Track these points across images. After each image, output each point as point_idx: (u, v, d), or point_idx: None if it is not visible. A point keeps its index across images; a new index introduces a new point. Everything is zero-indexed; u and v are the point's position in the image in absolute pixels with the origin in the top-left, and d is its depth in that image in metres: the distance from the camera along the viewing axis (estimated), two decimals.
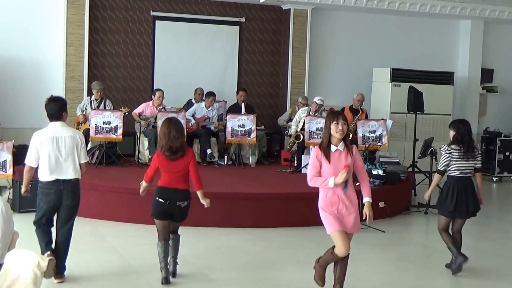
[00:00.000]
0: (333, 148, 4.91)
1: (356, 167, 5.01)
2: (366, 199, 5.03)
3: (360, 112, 10.83)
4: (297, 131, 10.34)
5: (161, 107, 10.25)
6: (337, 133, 4.87)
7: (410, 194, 9.82)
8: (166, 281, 5.63)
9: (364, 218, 5.06)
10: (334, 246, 5.01)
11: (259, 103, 12.33)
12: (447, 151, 6.27)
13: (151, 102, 10.43)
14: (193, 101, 11.17)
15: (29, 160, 5.53)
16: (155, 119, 10.08)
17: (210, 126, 10.71)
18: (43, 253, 5.62)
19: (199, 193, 5.75)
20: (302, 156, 10.06)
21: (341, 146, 4.92)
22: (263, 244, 7.25)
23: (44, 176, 5.48)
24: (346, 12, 12.57)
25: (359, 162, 5.04)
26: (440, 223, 6.42)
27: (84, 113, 10.18)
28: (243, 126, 10.29)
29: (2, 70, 10.60)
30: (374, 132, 10.01)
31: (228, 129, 10.27)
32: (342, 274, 5.13)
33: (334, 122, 4.87)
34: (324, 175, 4.89)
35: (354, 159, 4.95)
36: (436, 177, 6.40)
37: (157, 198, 5.67)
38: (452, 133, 6.38)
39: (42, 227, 5.64)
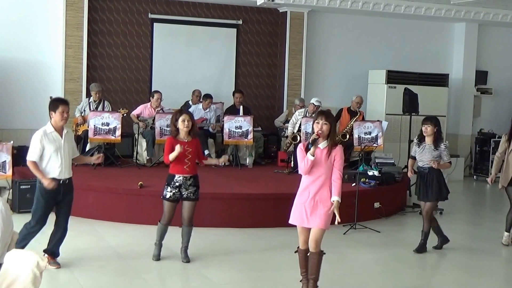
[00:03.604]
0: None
1: (334, 165, 5.00)
2: (334, 198, 4.95)
3: (358, 114, 10.92)
4: (293, 132, 10.43)
5: (159, 109, 10.34)
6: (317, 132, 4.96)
7: (405, 194, 9.91)
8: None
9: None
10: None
11: (256, 104, 12.41)
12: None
13: (149, 103, 10.49)
14: (191, 102, 11.25)
15: None
16: (153, 120, 10.18)
17: (208, 127, 10.80)
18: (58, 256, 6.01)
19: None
20: None
21: (322, 145, 4.97)
22: (260, 244, 7.32)
23: None
24: (342, 14, 12.64)
25: (337, 161, 4.98)
26: (431, 209, 7.12)
27: (82, 114, 10.26)
28: (240, 127, 10.38)
29: (1, 71, 10.66)
30: (370, 133, 10.11)
31: (226, 130, 10.35)
32: (313, 271, 5.17)
33: (316, 121, 4.99)
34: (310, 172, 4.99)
35: (333, 156, 4.98)
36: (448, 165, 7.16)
37: None
38: (431, 128, 6.96)
39: None
